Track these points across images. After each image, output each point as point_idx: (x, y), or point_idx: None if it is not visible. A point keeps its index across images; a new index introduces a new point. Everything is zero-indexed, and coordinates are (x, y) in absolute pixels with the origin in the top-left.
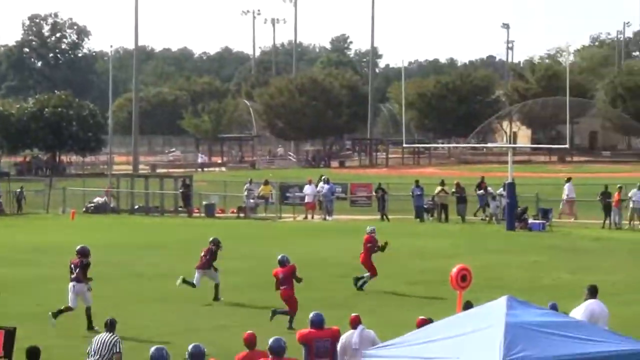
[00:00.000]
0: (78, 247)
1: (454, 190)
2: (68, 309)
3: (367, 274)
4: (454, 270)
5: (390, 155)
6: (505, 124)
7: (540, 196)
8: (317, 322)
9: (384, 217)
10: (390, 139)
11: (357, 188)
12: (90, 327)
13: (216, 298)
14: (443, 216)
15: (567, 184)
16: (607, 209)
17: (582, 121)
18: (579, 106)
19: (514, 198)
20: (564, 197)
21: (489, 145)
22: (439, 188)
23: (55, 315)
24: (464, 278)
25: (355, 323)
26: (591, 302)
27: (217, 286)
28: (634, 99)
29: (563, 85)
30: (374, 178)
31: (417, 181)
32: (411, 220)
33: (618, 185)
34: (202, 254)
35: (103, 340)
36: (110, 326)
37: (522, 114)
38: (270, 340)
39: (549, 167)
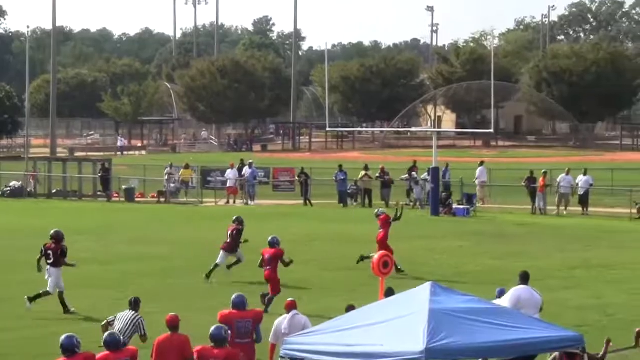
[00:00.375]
0: (52, 231)
1: (377, 175)
2: (46, 293)
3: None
4: (376, 256)
5: (313, 140)
6: (429, 108)
7: (464, 181)
8: (239, 304)
9: (307, 202)
10: (314, 123)
11: (280, 172)
12: (66, 310)
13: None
14: (367, 201)
15: (480, 168)
16: (533, 195)
17: (507, 105)
18: (503, 90)
19: (438, 183)
20: (476, 181)
21: (413, 129)
22: (362, 173)
23: (32, 299)
24: (385, 264)
25: (289, 308)
26: (518, 289)
27: (237, 262)
28: (559, 83)
29: (488, 69)
30: (297, 162)
31: (340, 166)
32: (334, 205)
33: (543, 170)
34: (228, 234)
35: (126, 318)
36: (135, 305)
37: (447, 98)
38: (212, 329)
39: (474, 151)
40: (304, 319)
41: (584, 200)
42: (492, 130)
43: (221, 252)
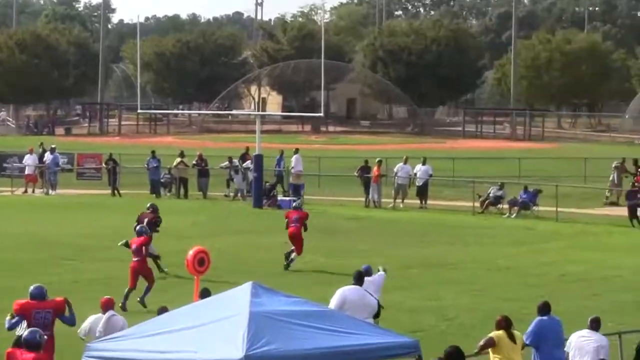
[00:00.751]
0: None
1: (194, 162)
2: None
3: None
4: (191, 253)
5: (123, 122)
6: (253, 88)
7: (290, 170)
8: (37, 295)
9: (115, 191)
10: (124, 104)
11: (85, 159)
12: None
13: (161, 270)
14: (182, 191)
15: (295, 156)
16: (367, 185)
17: (338, 87)
18: (335, 70)
19: (261, 172)
20: (291, 170)
21: (235, 112)
22: (178, 160)
23: None
24: (201, 262)
25: (105, 307)
26: (346, 289)
27: (156, 259)
28: (396, 62)
29: (318, 46)
30: (105, 148)
31: (153, 152)
32: (146, 195)
33: (377, 159)
34: (136, 223)
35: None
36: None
37: (272, 78)
38: (26, 333)
39: (302, 137)
40: (122, 321)
41: (422, 192)
42: (322, 114)
43: None
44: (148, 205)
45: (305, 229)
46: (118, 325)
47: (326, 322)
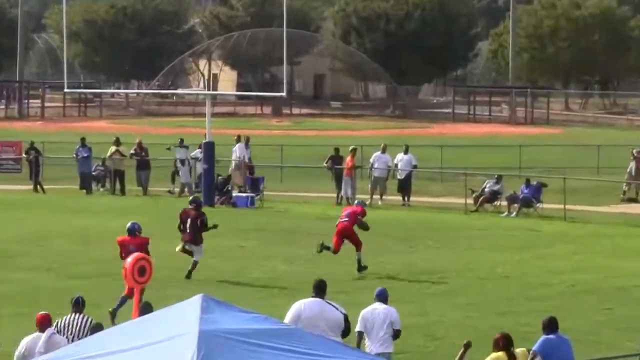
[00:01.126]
0: None
1: (133, 151)
2: None
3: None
4: (130, 260)
5: (47, 104)
6: (202, 63)
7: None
8: None
9: (38, 186)
10: (47, 82)
11: (2, 148)
12: None
13: (189, 275)
14: (118, 186)
15: (238, 145)
16: (338, 179)
17: (304, 61)
18: (300, 41)
19: (212, 163)
20: (232, 161)
21: (181, 91)
22: (113, 149)
23: None
24: (142, 271)
25: (42, 324)
26: (302, 302)
27: (195, 264)
28: (372, 32)
29: (279, 12)
30: (25, 134)
31: (83, 139)
32: (75, 191)
33: (351, 147)
34: (188, 223)
35: (78, 324)
36: (83, 305)
37: (225, 51)
38: None
39: (261, 121)
40: (63, 341)
41: (404, 187)
42: (284, 94)
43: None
44: (190, 199)
45: (365, 228)
46: (60, 346)
47: (291, 343)
